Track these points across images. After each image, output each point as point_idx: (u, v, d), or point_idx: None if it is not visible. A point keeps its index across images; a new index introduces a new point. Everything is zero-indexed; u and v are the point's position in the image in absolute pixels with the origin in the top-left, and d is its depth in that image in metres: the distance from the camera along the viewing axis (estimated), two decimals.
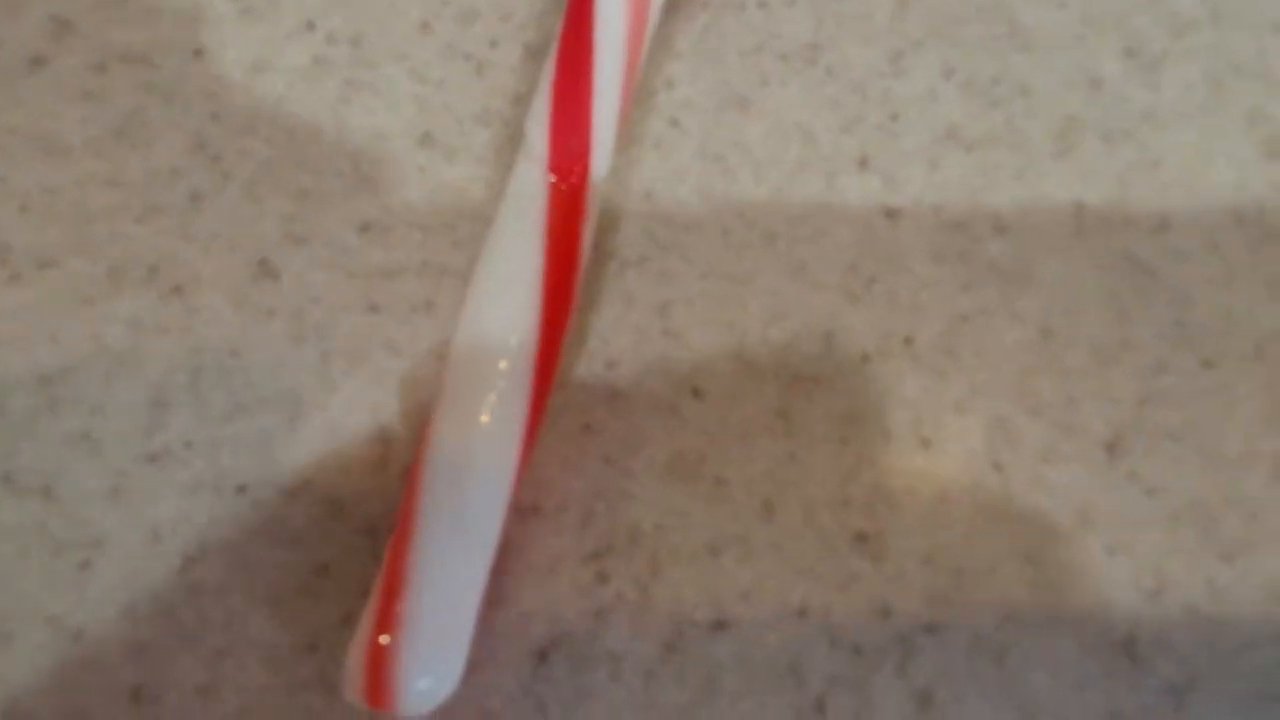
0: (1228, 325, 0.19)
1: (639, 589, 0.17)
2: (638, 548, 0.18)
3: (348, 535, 0.18)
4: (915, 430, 0.18)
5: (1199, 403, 0.19)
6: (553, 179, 0.18)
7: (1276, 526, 0.18)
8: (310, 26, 0.20)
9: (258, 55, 0.20)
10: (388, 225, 0.19)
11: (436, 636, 0.16)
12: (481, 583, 0.16)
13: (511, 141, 0.20)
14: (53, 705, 0.17)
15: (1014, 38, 0.21)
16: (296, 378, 0.18)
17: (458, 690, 0.16)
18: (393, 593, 0.16)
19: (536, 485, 0.18)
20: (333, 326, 0.19)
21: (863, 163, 0.20)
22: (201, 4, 0.20)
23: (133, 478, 0.18)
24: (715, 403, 0.18)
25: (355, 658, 0.15)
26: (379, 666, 0.15)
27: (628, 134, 0.20)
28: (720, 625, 0.17)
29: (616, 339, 0.19)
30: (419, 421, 0.18)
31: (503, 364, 0.17)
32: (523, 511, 0.18)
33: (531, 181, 0.18)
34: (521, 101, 0.20)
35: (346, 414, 0.18)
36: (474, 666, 0.16)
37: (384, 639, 0.15)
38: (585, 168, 0.18)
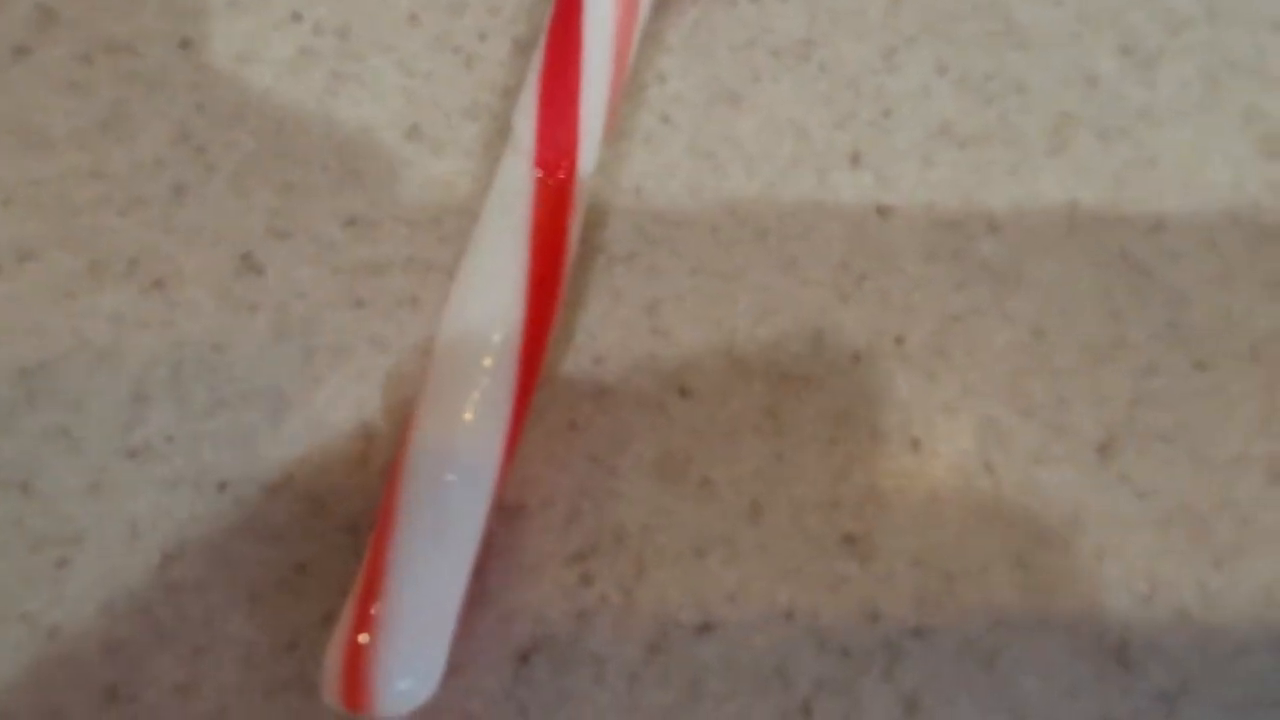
0: (1223, 326, 0.19)
1: (623, 590, 0.17)
2: (623, 548, 0.17)
3: (329, 532, 0.17)
4: (905, 430, 0.18)
5: (1192, 405, 0.18)
6: (539, 174, 0.17)
7: (1269, 531, 0.18)
8: (297, 17, 0.20)
9: (244, 46, 0.20)
10: (373, 220, 0.19)
11: (416, 636, 0.15)
12: (463, 582, 0.16)
13: (499, 136, 0.19)
14: (28, 703, 0.16)
15: (1009, 34, 0.21)
16: (279, 373, 0.18)
17: (438, 692, 0.15)
18: (372, 592, 0.15)
19: (521, 483, 0.18)
20: (317, 322, 0.18)
21: (855, 159, 0.20)
22: None
23: (112, 473, 0.17)
24: (703, 401, 0.18)
25: (334, 657, 0.15)
26: (358, 667, 0.15)
27: (617, 129, 0.20)
28: (706, 627, 0.17)
29: (604, 335, 0.19)
30: (402, 418, 0.18)
31: (487, 360, 0.16)
32: (506, 510, 0.18)
33: (518, 176, 0.17)
34: (510, 95, 0.20)
35: (329, 410, 0.18)
36: (454, 668, 0.16)
37: (363, 638, 0.15)
38: (572, 163, 0.17)
